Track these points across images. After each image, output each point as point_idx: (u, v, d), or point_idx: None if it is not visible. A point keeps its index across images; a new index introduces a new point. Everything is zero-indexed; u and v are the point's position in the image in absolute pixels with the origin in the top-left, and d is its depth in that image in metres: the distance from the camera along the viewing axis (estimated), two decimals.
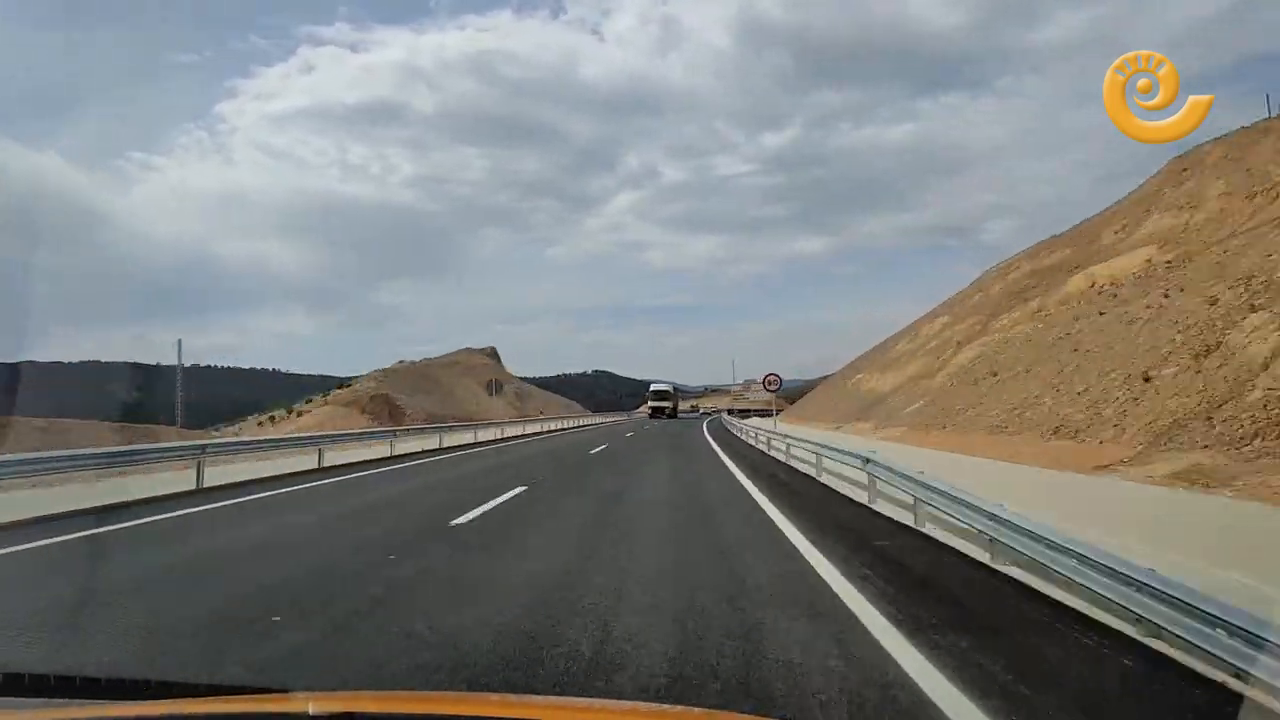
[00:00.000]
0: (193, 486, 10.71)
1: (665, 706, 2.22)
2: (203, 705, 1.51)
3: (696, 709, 2.28)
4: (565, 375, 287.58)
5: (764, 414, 46.24)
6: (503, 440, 27.93)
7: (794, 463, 14.75)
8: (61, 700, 1.58)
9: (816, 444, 13.06)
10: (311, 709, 1.29)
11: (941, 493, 6.34)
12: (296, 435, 27.16)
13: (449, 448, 22.38)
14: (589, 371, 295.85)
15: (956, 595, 4.74)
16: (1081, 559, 3.92)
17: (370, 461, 16.58)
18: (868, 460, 8.88)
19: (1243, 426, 10.76)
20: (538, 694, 2.73)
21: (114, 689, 1.84)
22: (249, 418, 75.60)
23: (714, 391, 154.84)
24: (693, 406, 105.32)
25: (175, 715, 1.40)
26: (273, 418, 70.56)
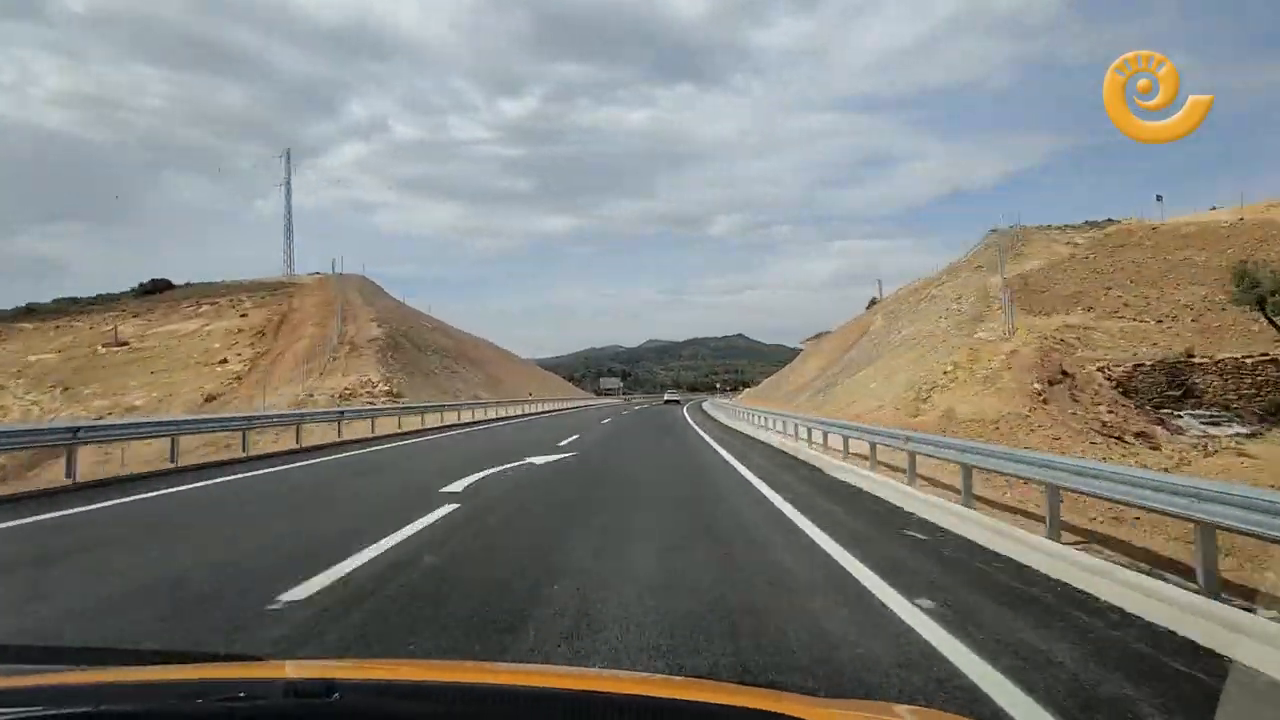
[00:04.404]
0: None
1: (647, 675, 2.18)
2: (177, 672, 1.46)
3: (677, 678, 2.29)
4: None
5: None
6: None
7: None
8: (26, 666, 1.48)
9: None
10: (289, 674, 1.29)
11: None
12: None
13: None
14: None
15: None
16: None
17: None
18: None
19: None
20: (519, 661, 2.77)
21: (81, 657, 1.75)
22: None
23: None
24: None
25: (148, 682, 1.34)
26: None
